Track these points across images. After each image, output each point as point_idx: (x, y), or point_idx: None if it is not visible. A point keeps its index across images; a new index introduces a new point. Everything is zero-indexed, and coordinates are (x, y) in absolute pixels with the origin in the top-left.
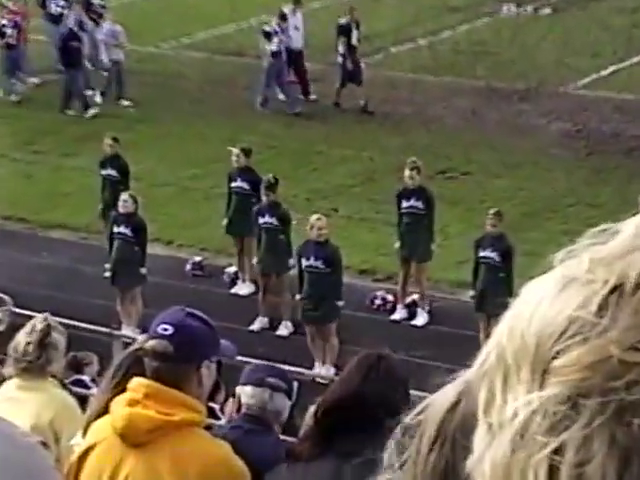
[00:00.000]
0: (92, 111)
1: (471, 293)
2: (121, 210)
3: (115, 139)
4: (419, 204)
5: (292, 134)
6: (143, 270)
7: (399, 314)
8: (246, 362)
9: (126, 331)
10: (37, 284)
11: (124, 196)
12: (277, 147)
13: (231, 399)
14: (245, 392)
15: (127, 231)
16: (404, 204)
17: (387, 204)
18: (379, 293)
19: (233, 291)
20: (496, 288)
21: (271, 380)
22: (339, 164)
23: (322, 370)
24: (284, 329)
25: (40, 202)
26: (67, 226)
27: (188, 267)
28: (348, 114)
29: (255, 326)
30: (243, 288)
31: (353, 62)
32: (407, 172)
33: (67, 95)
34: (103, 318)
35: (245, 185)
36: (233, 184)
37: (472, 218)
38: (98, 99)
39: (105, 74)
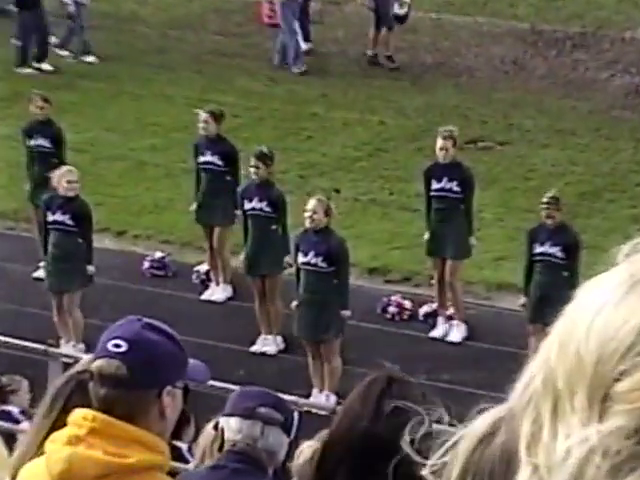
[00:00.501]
0: (47, 66)
1: (522, 300)
2: (59, 192)
3: (46, 99)
4: (453, 185)
5: (279, 92)
6: (90, 269)
7: (441, 330)
8: (221, 389)
9: (66, 348)
10: None
11: (62, 173)
12: (259, 109)
13: (203, 435)
14: (230, 426)
15: (66, 219)
16: (434, 185)
17: (403, 182)
18: (394, 298)
19: (205, 297)
20: (558, 293)
21: (263, 410)
22: (340, 131)
23: (321, 398)
24: (272, 345)
25: None
26: None
27: (146, 265)
28: (352, 65)
29: (257, 347)
30: (217, 292)
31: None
32: (440, 142)
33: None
34: (36, 331)
35: (216, 159)
36: (201, 158)
37: (512, 200)
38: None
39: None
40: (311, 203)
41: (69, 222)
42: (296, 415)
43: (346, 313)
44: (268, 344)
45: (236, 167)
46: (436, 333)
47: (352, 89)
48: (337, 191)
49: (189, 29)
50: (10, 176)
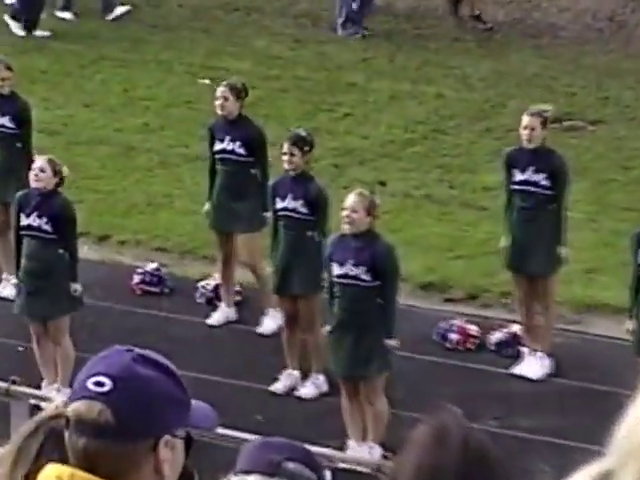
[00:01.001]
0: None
1: (630, 325)
2: (33, 185)
3: (9, 68)
4: (541, 177)
5: (307, 56)
6: (75, 287)
7: (528, 365)
8: (234, 438)
9: (47, 391)
10: None
11: (38, 162)
12: (281, 78)
13: None
14: None
15: (43, 223)
16: (517, 176)
17: (467, 172)
18: (455, 322)
19: (211, 321)
20: None
21: (291, 466)
22: (386, 106)
23: (362, 452)
24: (311, 388)
25: None
26: None
27: (136, 279)
28: (401, 22)
29: (281, 385)
30: (229, 314)
31: None
32: (525, 120)
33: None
34: None
35: (237, 147)
36: (218, 145)
37: (607, 196)
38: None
39: None
40: (349, 200)
41: (47, 228)
42: (328, 474)
43: (392, 342)
44: (306, 385)
45: (263, 156)
46: (520, 370)
47: (401, 53)
48: (382, 184)
49: None
50: None
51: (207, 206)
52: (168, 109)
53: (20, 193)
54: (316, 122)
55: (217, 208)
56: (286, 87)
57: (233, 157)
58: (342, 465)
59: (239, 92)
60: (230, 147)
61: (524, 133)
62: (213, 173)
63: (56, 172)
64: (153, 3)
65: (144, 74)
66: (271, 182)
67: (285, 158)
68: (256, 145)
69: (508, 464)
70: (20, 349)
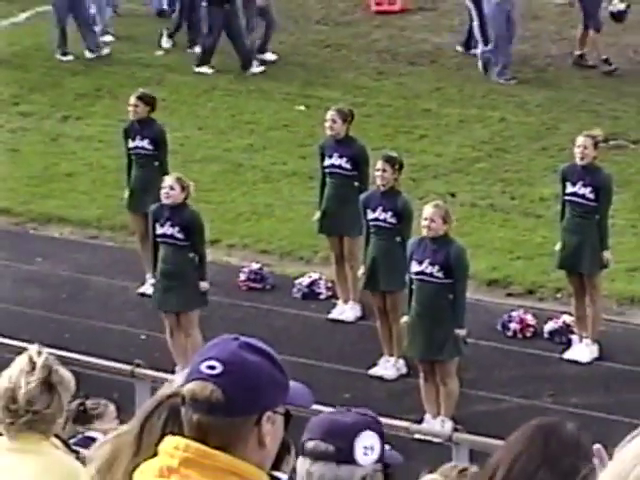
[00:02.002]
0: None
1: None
2: (164, 201)
3: (141, 98)
4: (587, 191)
5: (388, 86)
6: (204, 285)
7: (578, 351)
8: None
9: (180, 376)
10: (26, 301)
11: (168, 181)
12: (366, 105)
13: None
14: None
15: (175, 232)
16: (569, 188)
17: (525, 185)
18: (515, 313)
19: (333, 316)
20: None
21: (310, 445)
22: (457, 129)
23: (436, 424)
24: (392, 370)
25: (30, 187)
26: (68, 219)
27: (242, 277)
28: (468, 57)
29: (378, 369)
30: (346, 311)
31: None
32: (580, 140)
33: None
34: (124, 352)
35: (344, 163)
36: (327, 161)
37: None
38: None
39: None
40: (428, 210)
41: (179, 235)
42: (369, 439)
43: (461, 332)
44: (388, 367)
45: (365, 172)
46: (571, 354)
47: (469, 83)
48: (453, 195)
49: (289, 18)
50: (93, 180)
51: (317, 214)
52: (269, 132)
53: (154, 206)
54: (396, 143)
55: (326, 215)
56: (370, 113)
57: (341, 171)
58: (418, 436)
59: (345, 116)
60: (338, 162)
61: (577, 151)
62: (323, 185)
63: (183, 188)
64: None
65: (248, 101)
66: (362, 196)
67: (378, 174)
68: (360, 161)
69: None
70: (142, 337)
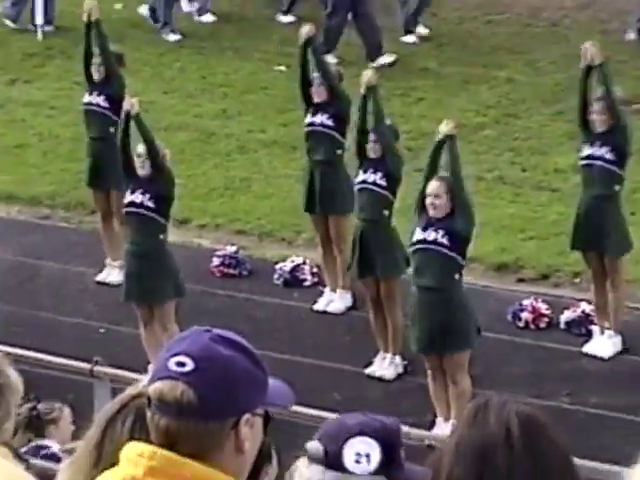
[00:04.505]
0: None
1: None
2: (138, 171)
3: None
4: (605, 152)
5: None
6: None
7: (599, 344)
8: (313, 417)
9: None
10: None
11: (141, 148)
12: (355, 64)
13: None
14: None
15: (145, 199)
16: (585, 150)
17: (538, 154)
18: (527, 301)
19: (319, 307)
20: None
21: (308, 446)
22: (459, 91)
23: (447, 428)
24: (389, 369)
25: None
26: (16, 197)
27: (215, 262)
28: (471, 8)
29: (374, 368)
30: (335, 301)
31: None
32: (596, 106)
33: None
34: (80, 347)
35: (325, 119)
36: (308, 118)
37: None
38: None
39: None
40: (432, 185)
41: (149, 204)
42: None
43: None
44: (385, 366)
45: (342, 131)
46: (591, 348)
47: (472, 38)
48: None
49: None
50: (44, 152)
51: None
52: (245, 95)
53: (127, 179)
54: (389, 107)
55: (311, 193)
56: (360, 72)
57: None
58: (428, 442)
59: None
60: (320, 120)
61: (597, 118)
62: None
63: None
64: None
65: (221, 61)
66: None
67: (377, 140)
68: (338, 119)
69: (558, 433)
70: (101, 331)
